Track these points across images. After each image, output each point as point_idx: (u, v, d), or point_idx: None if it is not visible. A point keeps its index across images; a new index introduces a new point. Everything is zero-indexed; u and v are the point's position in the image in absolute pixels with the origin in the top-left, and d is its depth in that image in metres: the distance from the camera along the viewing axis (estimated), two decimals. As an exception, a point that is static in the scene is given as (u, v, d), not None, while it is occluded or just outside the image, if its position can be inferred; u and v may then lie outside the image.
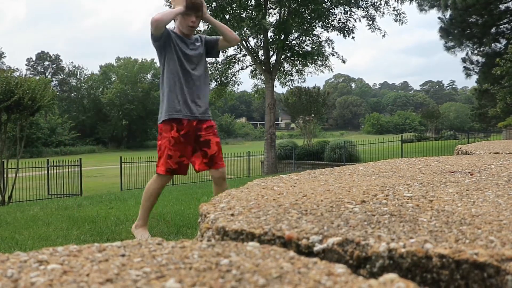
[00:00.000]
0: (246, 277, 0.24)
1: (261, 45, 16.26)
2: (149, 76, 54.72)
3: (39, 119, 38.54)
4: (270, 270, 0.25)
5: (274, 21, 15.93)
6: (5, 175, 9.13)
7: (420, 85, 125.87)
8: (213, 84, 17.49)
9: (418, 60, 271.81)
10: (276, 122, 17.55)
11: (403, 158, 0.84)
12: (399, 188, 0.49)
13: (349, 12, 16.38)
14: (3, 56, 57.21)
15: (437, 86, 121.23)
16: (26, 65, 62.47)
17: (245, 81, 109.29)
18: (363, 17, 16.50)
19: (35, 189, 10.33)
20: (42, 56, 61.63)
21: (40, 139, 40.92)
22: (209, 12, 12.81)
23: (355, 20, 16.65)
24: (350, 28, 16.51)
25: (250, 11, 15.17)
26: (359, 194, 0.47)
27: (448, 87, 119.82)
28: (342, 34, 16.48)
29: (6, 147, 9.32)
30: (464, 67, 20.03)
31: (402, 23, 16.47)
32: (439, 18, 18.87)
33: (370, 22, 16.37)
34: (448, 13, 18.41)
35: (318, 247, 0.30)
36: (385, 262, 0.28)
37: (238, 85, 18.18)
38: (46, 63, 61.36)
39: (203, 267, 0.26)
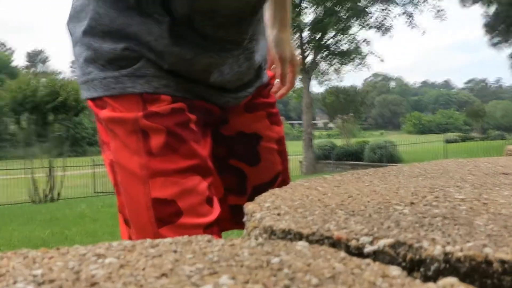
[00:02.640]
0: (298, 276, 0.24)
1: (297, 44, 16.14)
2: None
3: (83, 119, 40.13)
4: (323, 270, 0.25)
5: (310, 21, 15.77)
6: (53, 173, 9.61)
7: (464, 83, 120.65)
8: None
9: (460, 58, 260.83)
10: (314, 122, 17.44)
11: (450, 159, 0.81)
12: (449, 190, 0.48)
13: (385, 10, 15.98)
14: (47, 60, 60.04)
15: (482, 84, 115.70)
16: (70, 67, 65.27)
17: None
18: (401, 14, 16.05)
19: (81, 187, 10.78)
20: (86, 59, 64.12)
21: (85, 139, 42.61)
22: None
23: (392, 19, 16.25)
24: (387, 27, 16.11)
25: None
26: (407, 195, 0.46)
27: (493, 85, 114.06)
28: (380, 32, 16.11)
29: (54, 146, 9.81)
30: (511, 63, 19.03)
31: (442, 19, 15.87)
32: (483, 13, 18.04)
33: (409, 20, 15.89)
34: (492, 8, 17.56)
35: (368, 249, 0.30)
36: (441, 265, 0.27)
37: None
38: (90, 65, 63.75)
39: (254, 265, 0.26)
